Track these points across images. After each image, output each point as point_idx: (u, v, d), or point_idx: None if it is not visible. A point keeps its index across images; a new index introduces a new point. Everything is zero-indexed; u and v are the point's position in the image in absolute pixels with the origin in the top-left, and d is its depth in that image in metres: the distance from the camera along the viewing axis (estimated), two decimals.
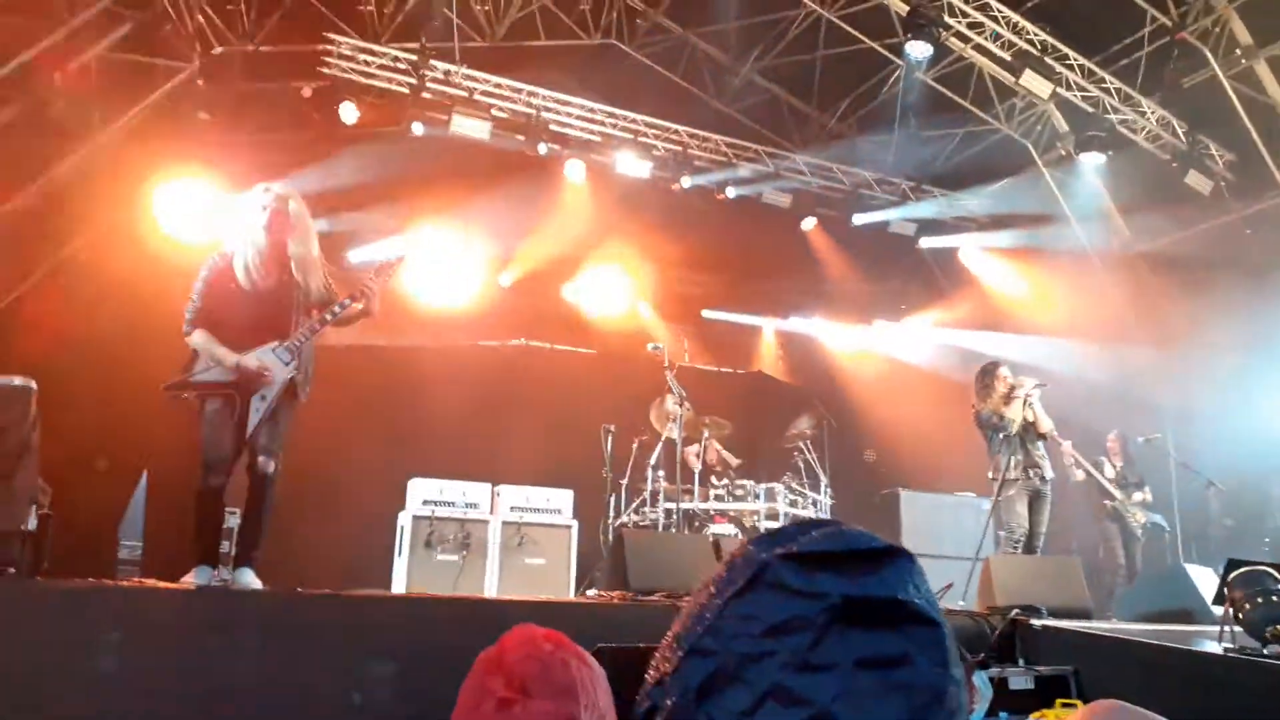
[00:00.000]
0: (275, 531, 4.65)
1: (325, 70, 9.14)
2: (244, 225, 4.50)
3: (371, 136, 9.20)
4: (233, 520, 5.52)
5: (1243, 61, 9.11)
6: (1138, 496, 8.63)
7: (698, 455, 8.60)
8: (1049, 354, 10.05)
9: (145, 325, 6.41)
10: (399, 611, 4.44)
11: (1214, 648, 4.31)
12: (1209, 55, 9.17)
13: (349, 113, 9.00)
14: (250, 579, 4.36)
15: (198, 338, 4.42)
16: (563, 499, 7.50)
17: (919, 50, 8.93)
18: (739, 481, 8.22)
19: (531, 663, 1.43)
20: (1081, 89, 9.62)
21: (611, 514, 8.12)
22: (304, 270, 4.57)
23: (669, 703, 0.86)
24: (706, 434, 8.54)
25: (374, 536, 7.28)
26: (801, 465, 8.66)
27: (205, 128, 8.63)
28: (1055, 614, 5.14)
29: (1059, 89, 9.38)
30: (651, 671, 0.91)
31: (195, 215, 8.66)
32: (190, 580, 4.23)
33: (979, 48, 9.42)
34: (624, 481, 8.35)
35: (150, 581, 4.31)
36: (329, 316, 4.56)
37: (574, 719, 1.43)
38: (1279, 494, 9.37)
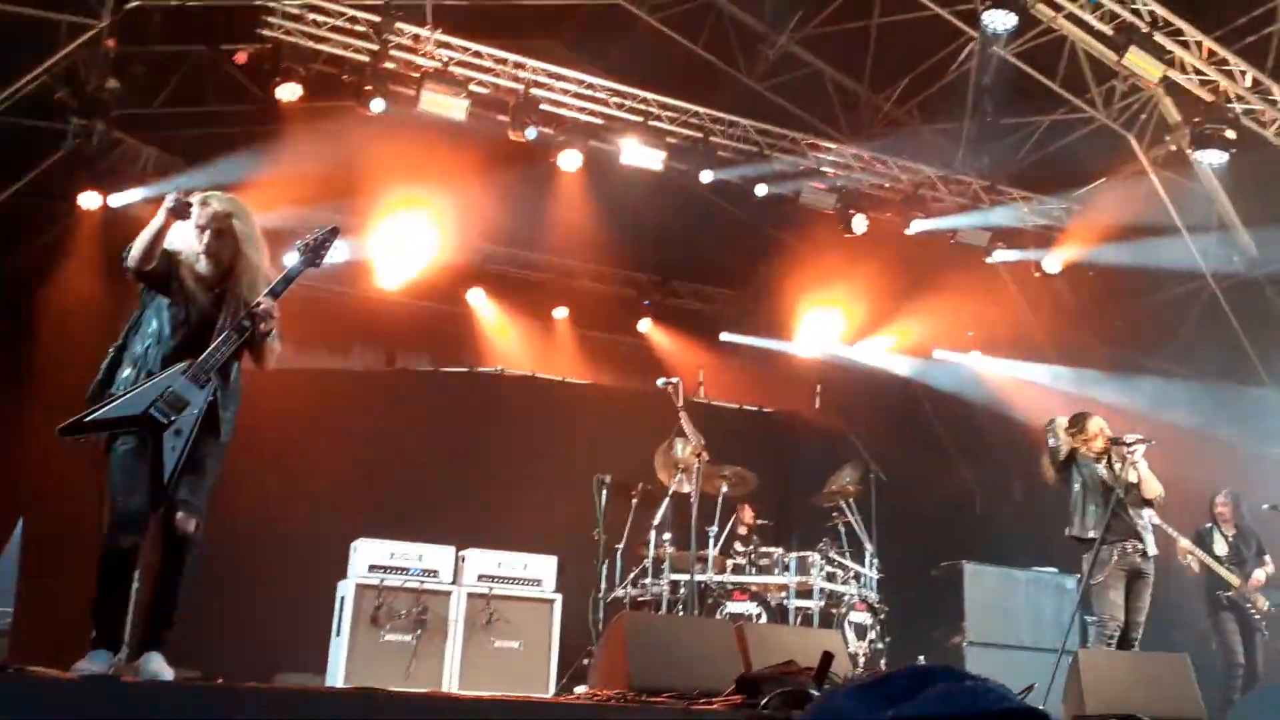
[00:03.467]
0: (187, 605, 4.61)
1: (265, 32, 9.15)
2: (180, 238, 4.57)
3: (320, 114, 9.21)
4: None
5: None
6: (1259, 575, 8.58)
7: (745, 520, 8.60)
8: (1154, 396, 10.06)
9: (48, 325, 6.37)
10: (339, 709, 4.39)
11: None
12: None
13: (289, 93, 8.99)
14: (160, 666, 4.31)
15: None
16: (543, 567, 7.46)
17: (1000, 20, 8.98)
18: (763, 549, 8.19)
19: None
20: (1199, 72, 9.66)
21: (604, 586, 8.08)
22: (250, 286, 4.64)
23: None
24: (725, 488, 8.51)
25: (308, 611, 7.23)
26: (842, 529, 8.63)
27: (115, 98, 8.66)
28: None
29: (1170, 71, 9.41)
30: None
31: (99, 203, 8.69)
32: (86, 667, 4.18)
33: (1073, 18, 9.46)
34: (619, 546, 8.31)
35: (35, 669, 4.25)
36: (243, 325, 4.56)
37: None
38: None
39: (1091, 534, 6.99)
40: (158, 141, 9.46)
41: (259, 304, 4.59)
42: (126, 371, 4.49)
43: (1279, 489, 8.84)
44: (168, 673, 4.32)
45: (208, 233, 4.57)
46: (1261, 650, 8.48)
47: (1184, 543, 8.28)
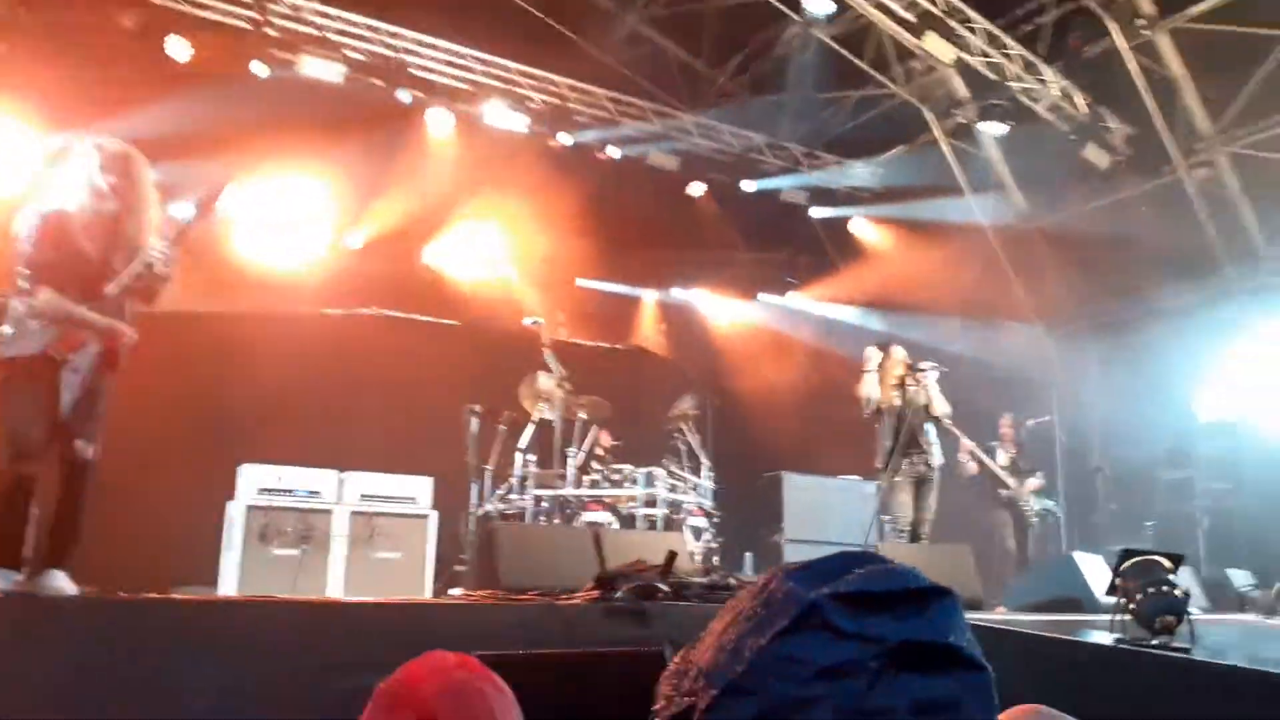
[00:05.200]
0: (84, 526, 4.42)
1: None
2: (76, 180, 4.31)
3: (205, 78, 8.73)
4: None
5: (1144, 33, 9.65)
6: (1031, 483, 9.17)
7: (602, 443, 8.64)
8: (940, 332, 10.49)
9: None
10: (235, 616, 4.28)
11: (1104, 638, 4.61)
12: (1111, 25, 9.68)
13: (179, 49, 8.49)
14: (62, 582, 4.13)
15: (44, 295, 4.18)
16: (419, 486, 7.37)
17: (819, 5, 9.10)
18: (615, 466, 8.27)
19: (445, 694, 1.40)
20: (985, 55, 9.99)
21: (475, 503, 8.04)
22: (140, 234, 4.44)
23: None
24: (583, 415, 8.54)
25: (198, 530, 6.98)
26: (683, 448, 8.78)
27: (4, 61, 8.02)
28: None
29: (962, 54, 9.72)
30: (664, 703, 0.93)
31: None
32: None
33: (880, 5, 9.67)
34: (489, 467, 8.28)
35: None
36: (136, 270, 4.37)
37: None
38: (1164, 478, 10.09)
39: (889, 463, 7.33)
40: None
41: (161, 251, 4.40)
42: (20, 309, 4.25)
43: (1039, 407, 9.41)
44: (70, 588, 4.15)
45: (110, 176, 4.37)
46: (1032, 542, 9.07)
47: (966, 442, 8.65)
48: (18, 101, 7.77)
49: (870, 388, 7.57)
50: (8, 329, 4.20)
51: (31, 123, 7.67)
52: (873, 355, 7.65)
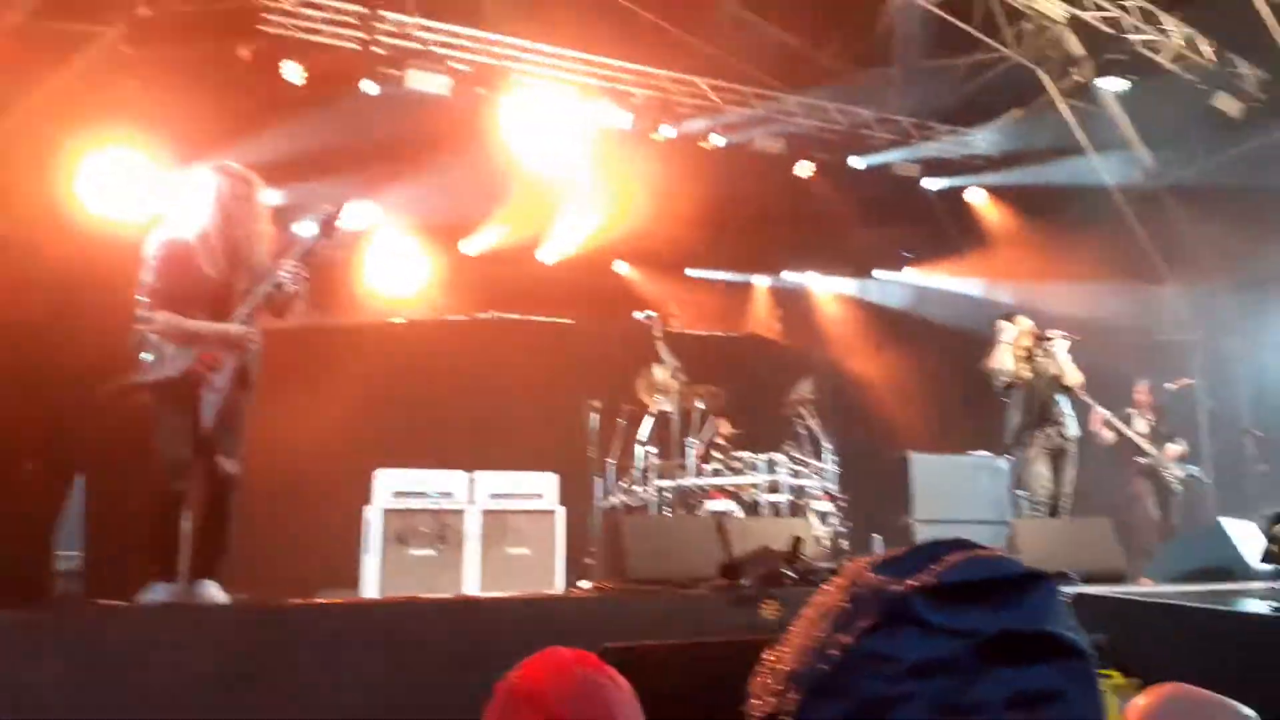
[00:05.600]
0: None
1: (264, 29, 8.96)
2: (198, 206, 4.50)
3: (319, 99, 9.06)
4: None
5: None
6: (1172, 450, 8.75)
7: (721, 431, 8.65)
8: (1068, 299, 10.09)
9: (74, 311, 6.33)
10: (377, 617, 4.45)
11: (1260, 608, 4.38)
12: None
13: (293, 72, 8.84)
14: (214, 592, 4.35)
15: (162, 317, 4.39)
16: (545, 483, 7.50)
17: None
18: (736, 454, 8.24)
19: (565, 691, 1.44)
20: (1099, 7, 9.56)
21: (599, 496, 8.14)
22: (256, 245, 4.62)
23: None
24: (700, 404, 8.54)
25: (338, 535, 7.26)
26: (803, 433, 8.68)
27: (134, 97, 8.47)
28: (1087, 579, 5.22)
29: (1074, 9, 9.32)
30: (757, 703, 0.92)
31: (127, 191, 8.53)
32: (148, 597, 4.21)
33: None
34: (611, 461, 8.37)
35: (105, 602, 4.29)
36: (269, 291, 4.54)
37: None
38: None
39: (1018, 438, 7.11)
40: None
41: (290, 271, 4.57)
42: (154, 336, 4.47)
43: (1179, 370, 8.95)
44: (221, 596, 4.36)
45: (233, 198, 4.56)
46: (1176, 511, 8.67)
47: (1101, 412, 8.36)
48: (146, 135, 8.18)
49: (1003, 360, 7.33)
50: (149, 355, 4.43)
51: (158, 156, 8.06)
52: (1006, 327, 7.41)
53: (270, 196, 8.61)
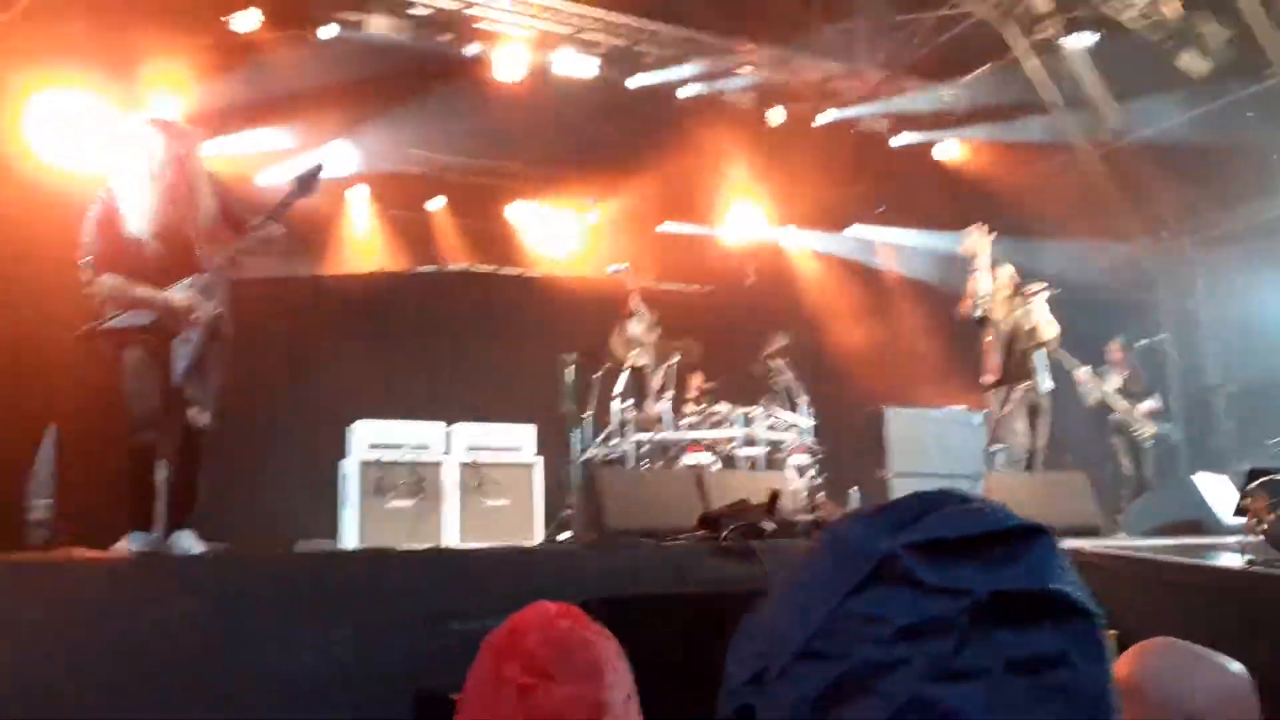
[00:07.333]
0: (208, 488, 4.54)
1: None
2: (134, 165, 4.33)
3: (278, 42, 8.75)
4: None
5: None
6: (1145, 406, 8.84)
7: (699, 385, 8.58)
8: (1037, 254, 10.10)
9: (38, 263, 6.13)
10: (357, 568, 4.37)
11: (1234, 561, 4.41)
12: None
13: (248, 20, 8.50)
14: (190, 542, 4.27)
15: (108, 280, 4.25)
16: (524, 435, 7.44)
17: None
18: (713, 408, 8.20)
19: (550, 644, 1.41)
20: None
21: (577, 449, 8.08)
22: (202, 201, 4.47)
23: (779, 715, 0.77)
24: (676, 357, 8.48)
25: (317, 487, 7.16)
26: (780, 387, 8.65)
27: (83, 35, 8.13)
28: (1062, 533, 5.21)
29: None
30: (737, 667, 0.82)
31: (75, 136, 8.23)
32: (125, 547, 4.11)
33: None
34: (588, 414, 8.30)
35: (79, 551, 4.19)
36: (249, 244, 4.41)
37: (602, 703, 1.39)
38: None
39: (999, 379, 7.08)
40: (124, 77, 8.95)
41: (270, 227, 4.43)
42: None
43: (1149, 328, 9.00)
44: (198, 546, 4.28)
45: (165, 154, 4.38)
46: (1149, 466, 8.77)
47: (1081, 373, 8.40)
48: (96, 77, 7.88)
49: (983, 284, 7.14)
50: (112, 308, 4.29)
51: (109, 99, 7.77)
52: (978, 242, 7.18)
53: (230, 144, 8.45)
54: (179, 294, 4.30)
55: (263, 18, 8.56)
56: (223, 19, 8.51)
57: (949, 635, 0.72)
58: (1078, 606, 0.76)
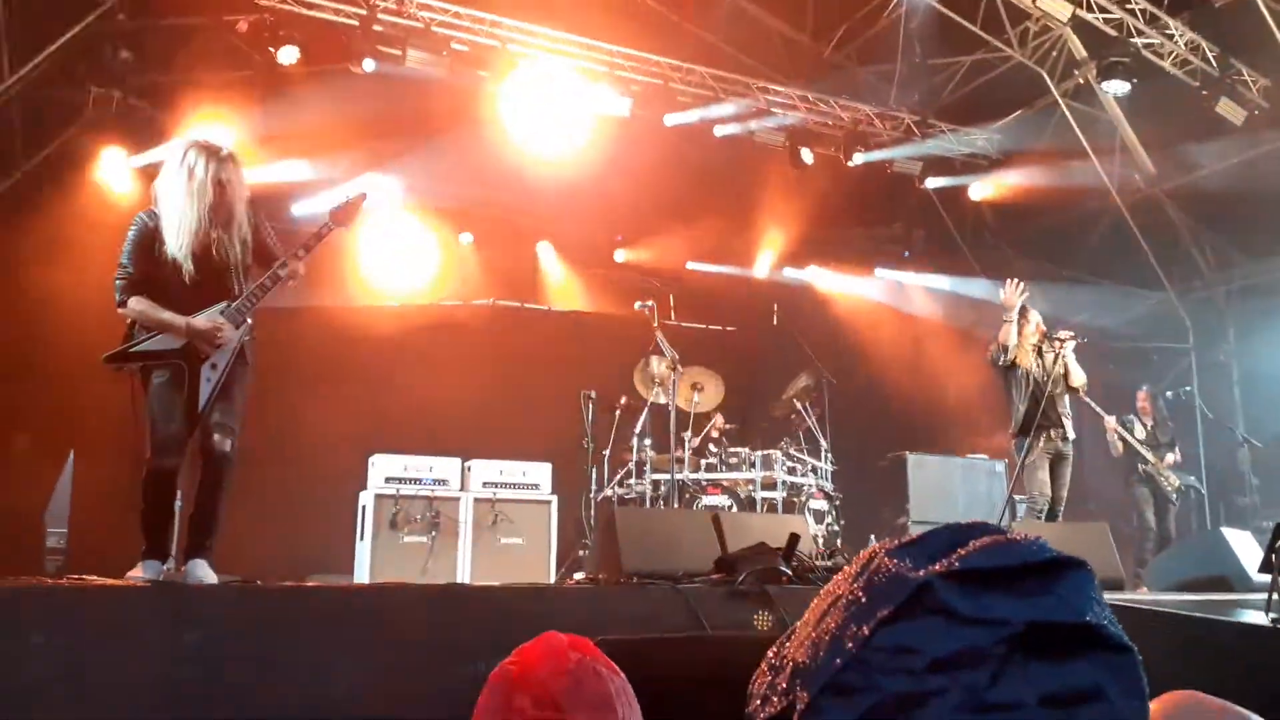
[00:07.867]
0: (225, 517, 4.55)
1: (262, 2, 8.81)
2: (175, 185, 4.37)
3: (317, 75, 8.92)
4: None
5: None
6: (1170, 458, 8.73)
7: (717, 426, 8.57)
8: (1067, 301, 10.05)
9: (70, 289, 6.25)
10: (368, 602, 4.37)
11: (1259, 619, 4.32)
12: None
13: (288, 55, 8.69)
14: (205, 572, 4.27)
15: (136, 304, 4.30)
16: (540, 472, 7.43)
17: None
18: (732, 449, 8.18)
19: (562, 676, 1.38)
20: (1103, 9, 9.48)
21: (594, 487, 8.07)
22: (239, 228, 4.50)
23: None
24: (696, 398, 8.47)
25: (333, 519, 7.20)
26: (801, 431, 8.62)
27: (129, 68, 8.35)
28: None
29: (1078, 10, 9.24)
30: (758, 703, 0.82)
31: (121, 165, 8.46)
32: (138, 575, 4.13)
33: None
34: (606, 452, 8.29)
35: (92, 578, 4.21)
36: (280, 274, 4.46)
37: None
38: None
39: (1023, 426, 7.01)
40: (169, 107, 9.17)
41: (298, 259, 4.49)
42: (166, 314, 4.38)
43: (1177, 379, 8.91)
44: (212, 577, 4.28)
45: (209, 178, 4.36)
46: (1172, 519, 8.64)
47: (1110, 421, 8.34)
48: (140, 109, 8.08)
49: (1011, 335, 7.10)
50: (142, 332, 4.35)
51: (160, 129, 7.97)
52: (1017, 293, 7.12)
53: (260, 170, 8.61)
54: (206, 319, 4.35)
55: (300, 54, 8.74)
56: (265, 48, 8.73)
57: (984, 666, 0.72)
58: (1114, 641, 0.75)
